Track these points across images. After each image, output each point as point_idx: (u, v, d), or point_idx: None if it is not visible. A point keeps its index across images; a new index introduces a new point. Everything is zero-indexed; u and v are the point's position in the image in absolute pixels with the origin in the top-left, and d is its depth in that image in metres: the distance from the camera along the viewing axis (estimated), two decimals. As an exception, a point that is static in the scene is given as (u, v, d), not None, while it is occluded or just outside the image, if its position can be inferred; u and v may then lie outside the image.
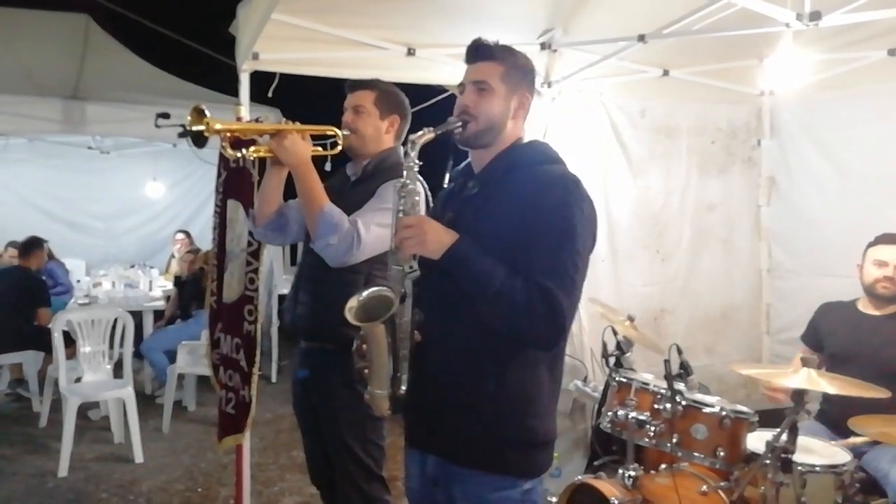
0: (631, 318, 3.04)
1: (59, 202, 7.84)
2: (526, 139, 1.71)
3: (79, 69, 5.68)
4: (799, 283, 4.00)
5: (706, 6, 2.55)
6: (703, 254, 4.17)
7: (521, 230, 1.50)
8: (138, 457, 4.03)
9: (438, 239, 1.52)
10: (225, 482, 3.75)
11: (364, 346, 1.59)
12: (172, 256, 7.17)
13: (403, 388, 1.57)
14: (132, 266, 6.71)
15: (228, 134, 2.10)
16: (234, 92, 4.99)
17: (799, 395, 2.11)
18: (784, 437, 2.16)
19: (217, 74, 5.67)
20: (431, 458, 1.63)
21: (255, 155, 2.16)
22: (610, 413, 2.59)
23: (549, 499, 2.78)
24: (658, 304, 4.06)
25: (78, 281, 6.63)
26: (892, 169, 3.42)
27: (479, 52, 1.65)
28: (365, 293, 1.60)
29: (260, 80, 3.26)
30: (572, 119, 3.72)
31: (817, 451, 2.44)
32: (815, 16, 2.21)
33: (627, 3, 3.00)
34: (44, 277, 5.44)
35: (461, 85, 1.67)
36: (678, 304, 4.11)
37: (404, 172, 1.60)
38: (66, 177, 7.76)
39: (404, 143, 1.65)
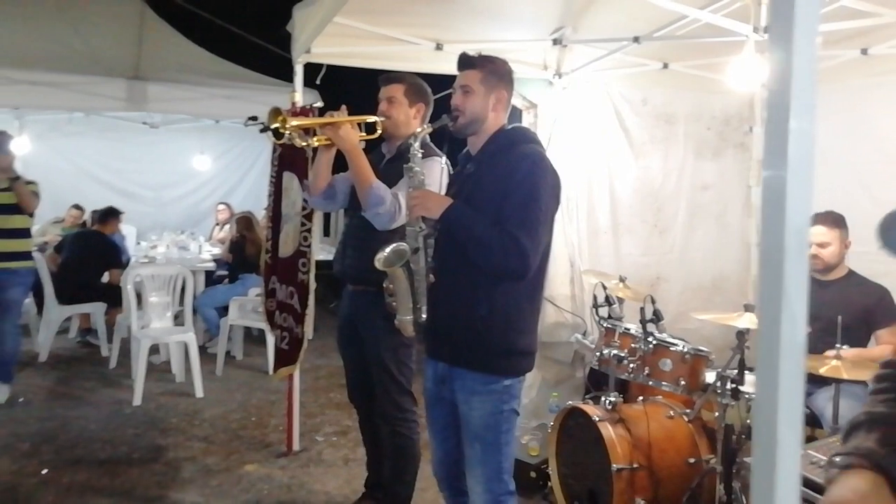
0: (622, 279, 3.57)
1: (113, 172, 8.52)
2: (523, 124, 2.23)
3: (137, 52, 6.26)
4: (781, 257, 4.47)
5: (681, 18, 3.03)
6: (697, 229, 4.63)
7: (502, 195, 2.00)
8: (199, 392, 4.67)
9: (438, 204, 2.07)
10: (274, 414, 4.38)
11: (391, 286, 2.21)
12: (217, 225, 7.82)
13: (424, 316, 2.15)
14: (182, 232, 7.36)
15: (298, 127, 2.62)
16: (277, 73, 5.55)
17: (741, 335, 2.64)
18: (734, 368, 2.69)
19: (263, 59, 6.24)
20: (441, 364, 2.19)
21: (318, 143, 2.68)
22: (598, 353, 3.15)
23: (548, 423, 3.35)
24: (655, 273, 4.52)
25: (139, 243, 7.32)
26: (859, 157, 3.88)
27: (462, 62, 2.18)
28: (387, 249, 2.19)
29: (304, 68, 3.77)
30: (581, 107, 4.20)
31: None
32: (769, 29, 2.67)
33: (627, 7, 3.46)
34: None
35: (453, 88, 2.18)
36: (673, 273, 4.56)
37: (409, 158, 2.12)
38: (120, 149, 8.43)
39: (409, 136, 2.15)
